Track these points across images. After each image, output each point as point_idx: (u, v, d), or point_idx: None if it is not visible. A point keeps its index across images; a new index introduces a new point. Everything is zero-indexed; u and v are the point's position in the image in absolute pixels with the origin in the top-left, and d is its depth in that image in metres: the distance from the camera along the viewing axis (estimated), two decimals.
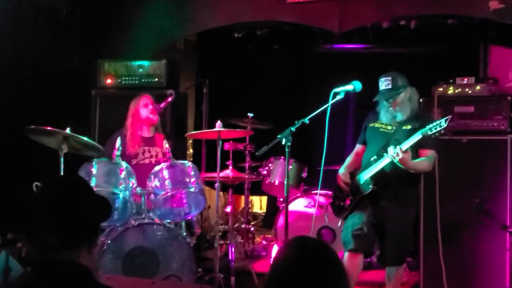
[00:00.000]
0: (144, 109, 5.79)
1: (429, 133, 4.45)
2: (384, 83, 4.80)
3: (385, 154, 4.59)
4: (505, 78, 6.63)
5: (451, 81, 6.18)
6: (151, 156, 5.74)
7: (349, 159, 5.09)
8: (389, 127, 4.85)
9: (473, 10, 6.36)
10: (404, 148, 4.50)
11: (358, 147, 5.12)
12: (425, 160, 4.71)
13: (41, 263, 2.36)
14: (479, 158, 5.76)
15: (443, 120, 4.41)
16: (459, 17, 6.63)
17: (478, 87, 6.07)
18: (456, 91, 6.05)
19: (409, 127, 4.73)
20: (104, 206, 2.49)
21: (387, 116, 4.86)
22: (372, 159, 4.76)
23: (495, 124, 5.82)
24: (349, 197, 4.91)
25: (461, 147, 5.81)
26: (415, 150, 4.67)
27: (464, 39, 7.08)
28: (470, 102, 5.94)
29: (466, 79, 6.12)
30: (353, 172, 4.94)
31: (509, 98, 5.94)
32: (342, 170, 4.97)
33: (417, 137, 4.51)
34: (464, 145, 5.83)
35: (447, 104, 5.92)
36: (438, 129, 4.42)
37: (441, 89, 6.05)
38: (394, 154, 4.48)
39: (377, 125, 4.94)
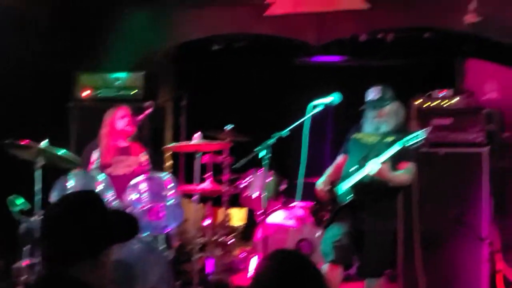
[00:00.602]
0: (120, 120, 5.75)
1: (407, 144, 4.46)
2: (372, 93, 4.83)
3: (365, 165, 4.59)
4: (481, 91, 6.72)
5: (428, 94, 6.24)
6: (126, 166, 5.69)
7: (329, 170, 5.08)
8: (372, 138, 4.87)
9: (450, 23, 6.44)
10: (382, 160, 4.51)
11: (340, 157, 5.12)
12: (404, 173, 4.71)
13: (43, 277, 2.42)
14: (457, 170, 5.80)
15: (422, 132, 4.43)
16: (436, 30, 6.69)
17: (455, 100, 6.13)
18: (434, 103, 6.10)
19: (391, 139, 4.74)
20: (122, 223, 2.50)
21: (371, 126, 4.86)
22: (352, 170, 4.77)
23: (472, 137, 5.87)
24: (328, 208, 4.90)
25: (439, 160, 5.84)
26: (395, 162, 4.67)
27: (441, 52, 7.15)
28: (447, 115, 5.99)
29: (443, 92, 6.18)
30: (333, 183, 4.93)
31: (485, 110, 6.00)
32: (321, 181, 4.96)
33: (396, 148, 4.52)
34: (442, 158, 5.87)
35: (424, 116, 5.96)
36: (417, 140, 4.44)
37: (418, 101, 6.10)
38: (372, 166, 4.49)
39: (359, 136, 4.95)
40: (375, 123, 4.85)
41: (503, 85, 6.82)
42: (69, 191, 4.93)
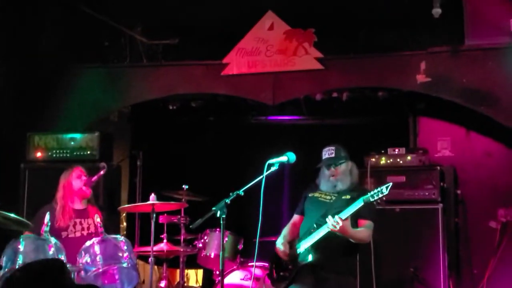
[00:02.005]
0: (77, 180, 5.67)
1: (371, 199, 4.47)
2: (327, 152, 4.89)
3: (325, 222, 4.58)
4: (434, 148, 6.86)
5: (382, 151, 6.33)
6: (83, 229, 5.58)
7: (286, 230, 5.05)
8: (329, 197, 4.87)
9: (402, 83, 6.58)
10: (344, 217, 4.50)
11: (296, 217, 5.10)
12: (365, 229, 4.71)
13: None
14: (412, 226, 5.86)
15: (384, 187, 4.45)
16: (389, 89, 6.84)
17: (409, 157, 6.24)
18: (388, 161, 6.19)
19: (348, 197, 4.76)
20: None
21: (328, 185, 4.88)
22: (311, 228, 4.74)
23: (426, 194, 5.96)
24: (288, 268, 4.85)
25: (395, 216, 5.90)
26: (354, 220, 4.67)
27: (394, 111, 7.30)
28: (402, 172, 6.08)
29: (397, 150, 6.29)
30: (292, 242, 4.90)
31: (439, 168, 6.11)
32: (280, 241, 4.92)
33: (358, 204, 4.52)
34: (397, 214, 5.93)
35: (379, 174, 6.04)
36: (380, 196, 4.46)
37: (373, 159, 6.18)
38: (334, 223, 4.48)
39: (316, 194, 4.96)
40: (331, 182, 4.87)
41: (456, 143, 6.97)
42: (20, 255, 4.79)
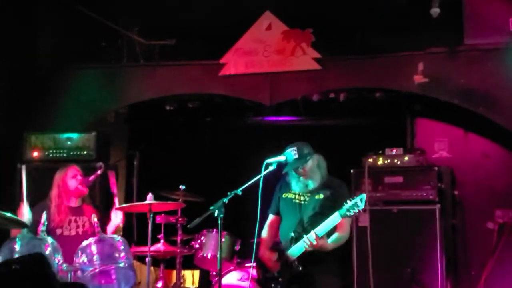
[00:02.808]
0: (72, 180, 5.66)
1: (348, 214, 4.46)
2: (289, 154, 4.81)
3: (303, 233, 4.58)
4: (431, 149, 6.86)
5: (380, 152, 6.32)
6: (78, 227, 5.57)
7: (266, 234, 5.01)
8: (302, 198, 4.84)
9: (399, 84, 6.58)
10: (320, 234, 4.50)
11: (271, 217, 5.05)
12: (341, 234, 4.68)
13: None
14: (410, 227, 5.85)
15: (358, 200, 4.44)
16: (386, 90, 6.83)
17: (406, 158, 6.24)
18: (386, 161, 6.18)
19: (321, 196, 4.74)
20: None
21: (299, 185, 4.83)
22: (290, 236, 4.72)
23: (424, 194, 5.95)
24: (275, 276, 4.82)
25: (392, 217, 5.89)
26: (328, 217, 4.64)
27: (392, 112, 7.29)
28: (399, 173, 6.07)
29: (394, 150, 6.28)
30: (275, 246, 4.87)
31: (436, 168, 6.11)
32: (264, 251, 4.90)
33: (336, 220, 4.52)
34: (395, 215, 5.92)
35: (377, 174, 6.03)
36: (356, 210, 4.45)
37: (371, 159, 6.18)
38: (308, 242, 4.49)
39: (290, 195, 4.92)
40: (301, 182, 4.81)
41: (453, 144, 6.97)
42: (16, 254, 4.77)
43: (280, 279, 4.78)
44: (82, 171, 5.76)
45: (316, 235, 4.48)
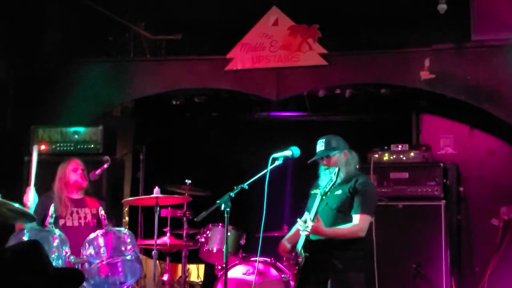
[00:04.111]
0: (73, 173, 5.69)
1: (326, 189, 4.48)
2: (319, 145, 4.82)
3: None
4: (437, 146, 6.86)
5: (386, 147, 6.33)
6: (80, 218, 5.60)
7: (292, 229, 5.00)
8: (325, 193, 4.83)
9: (405, 80, 6.59)
10: (312, 217, 4.47)
11: (305, 215, 5.07)
12: (350, 226, 4.60)
13: None
14: (415, 223, 5.87)
15: (333, 174, 4.46)
16: (392, 86, 6.84)
17: (412, 154, 6.25)
18: (391, 157, 6.20)
19: (340, 191, 4.70)
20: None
21: (324, 179, 4.80)
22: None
23: (429, 190, 5.96)
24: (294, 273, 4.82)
25: (397, 213, 5.91)
26: (348, 215, 4.64)
27: (397, 108, 7.29)
28: (405, 169, 6.09)
29: (400, 146, 6.29)
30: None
31: (441, 165, 6.12)
32: (285, 236, 4.93)
33: (318, 201, 4.51)
34: (400, 211, 5.93)
35: (382, 170, 6.04)
36: (331, 184, 4.47)
37: (376, 155, 6.19)
38: (304, 225, 4.48)
39: (316, 191, 4.90)
40: (327, 176, 4.73)
41: (459, 140, 6.97)
42: None
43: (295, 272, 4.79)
44: (89, 164, 5.79)
45: (308, 218, 4.47)
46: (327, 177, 4.71)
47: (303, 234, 4.58)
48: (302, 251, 4.66)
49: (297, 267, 4.77)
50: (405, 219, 5.94)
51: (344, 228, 4.61)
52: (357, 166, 4.95)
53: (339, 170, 4.59)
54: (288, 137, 7.21)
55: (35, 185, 5.54)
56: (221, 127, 8.09)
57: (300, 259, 4.72)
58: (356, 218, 4.62)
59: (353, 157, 4.85)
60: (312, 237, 4.60)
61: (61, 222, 5.51)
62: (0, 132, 6.71)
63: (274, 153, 4.72)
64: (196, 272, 8.16)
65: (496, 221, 6.57)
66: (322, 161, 4.79)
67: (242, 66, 6.86)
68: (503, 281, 6.36)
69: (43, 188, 6.02)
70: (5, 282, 2.31)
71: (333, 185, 4.60)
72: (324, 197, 4.67)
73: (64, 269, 2.50)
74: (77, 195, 5.70)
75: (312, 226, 4.44)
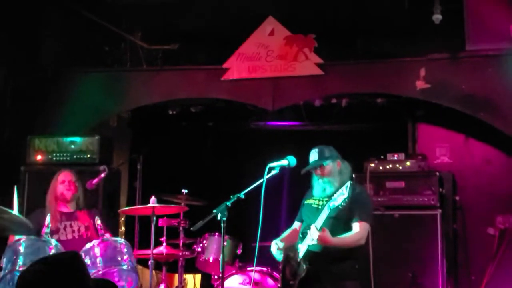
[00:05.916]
0: (60, 185, 5.70)
1: (340, 206, 4.43)
2: (312, 155, 4.83)
3: (307, 233, 4.57)
4: (432, 155, 6.88)
5: (382, 157, 6.35)
6: (73, 231, 5.61)
7: (285, 233, 5.05)
8: (320, 203, 4.81)
9: (401, 89, 6.61)
10: (319, 226, 4.47)
11: (296, 224, 5.05)
12: (352, 234, 4.63)
13: None
14: (411, 232, 5.87)
15: (344, 188, 4.43)
16: (388, 96, 6.86)
17: (408, 163, 6.26)
18: (387, 167, 6.20)
19: (337, 201, 4.62)
20: None
21: (318, 189, 4.81)
22: (299, 237, 4.72)
23: (425, 199, 5.98)
24: (289, 283, 4.81)
25: (394, 222, 5.91)
26: (347, 223, 4.66)
27: (393, 117, 7.32)
28: (401, 178, 6.10)
29: (396, 155, 6.31)
30: (290, 247, 4.86)
31: (437, 174, 6.14)
32: (277, 239, 4.92)
33: (327, 211, 4.50)
34: (396, 220, 5.94)
35: (378, 179, 6.05)
36: (343, 198, 4.42)
37: (372, 164, 6.20)
38: (312, 234, 4.47)
39: (310, 201, 4.91)
40: (320, 185, 4.78)
41: (454, 149, 6.99)
42: (20, 256, 4.80)
43: (291, 282, 4.77)
44: (85, 174, 5.79)
45: (315, 227, 4.47)
46: (320, 187, 4.74)
47: (309, 244, 4.57)
48: (303, 262, 4.65)
49: (294, 277, 4.76)
50: (402, 228, 5.95)
51: (347, 236, 4.63)
52: (353, 176, 4.97)
53: (332, 179, 4.64)
54: (285, 147, 7.21)
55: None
56: (218, 136, 8.10)
57: (287, 267, 4.73)
58: (356, 226, 4.64)
59: (346, 167, 4.87)
60: (310, 247, 4.60)
61: (55, 237, 5.47)
62: None
63: (271, 162, 4.73)
64: (193, 282, 8.14)
65: (492, 230, 6.57)
66: (315, 170, 4.81)
67: (238, 76, 6.87)
68: None
69: (40, 198, 6.03)
70: None
71: (329, 195, 4.65)
72: (320, 207, 4.72)
73: (100, 280, 2.51)
74: (67, 209, 5.69)
75: (319, 236, 4.44)
